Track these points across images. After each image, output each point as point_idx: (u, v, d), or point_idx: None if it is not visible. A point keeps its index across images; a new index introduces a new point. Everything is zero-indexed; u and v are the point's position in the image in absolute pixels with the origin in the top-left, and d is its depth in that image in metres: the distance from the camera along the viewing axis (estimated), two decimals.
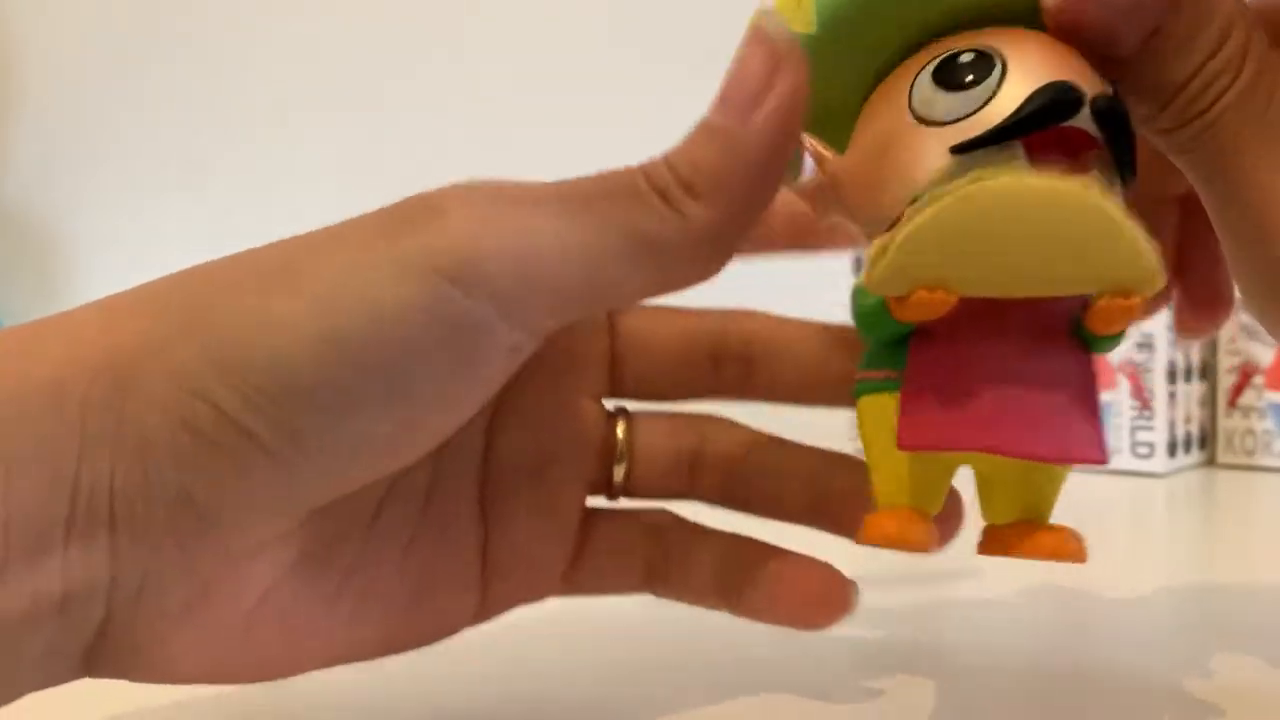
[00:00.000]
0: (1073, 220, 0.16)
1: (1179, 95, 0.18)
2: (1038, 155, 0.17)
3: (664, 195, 0.19)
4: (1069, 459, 0.18)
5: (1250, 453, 0.54)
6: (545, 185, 0.19)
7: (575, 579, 0.24)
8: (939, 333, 0.18)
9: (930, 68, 0.17)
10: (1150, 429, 0.52)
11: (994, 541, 0.19)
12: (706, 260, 0.19)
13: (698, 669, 0.27)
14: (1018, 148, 0.17)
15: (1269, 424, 0.54)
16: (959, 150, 0.17)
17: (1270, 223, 0.18)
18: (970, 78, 0.17)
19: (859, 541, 0.19)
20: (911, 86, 0.18)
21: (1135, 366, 0.53)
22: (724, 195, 0.19)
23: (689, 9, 0.99)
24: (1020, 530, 0.19)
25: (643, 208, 0.19)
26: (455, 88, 1.06)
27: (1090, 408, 0.18)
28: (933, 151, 0.17)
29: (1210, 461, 0.56)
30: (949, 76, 0.17)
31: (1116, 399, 0.53)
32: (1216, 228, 0.19)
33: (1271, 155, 0.18)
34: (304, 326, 0.18)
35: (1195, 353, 0.55)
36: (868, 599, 0.33)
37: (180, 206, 1.23)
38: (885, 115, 0.18)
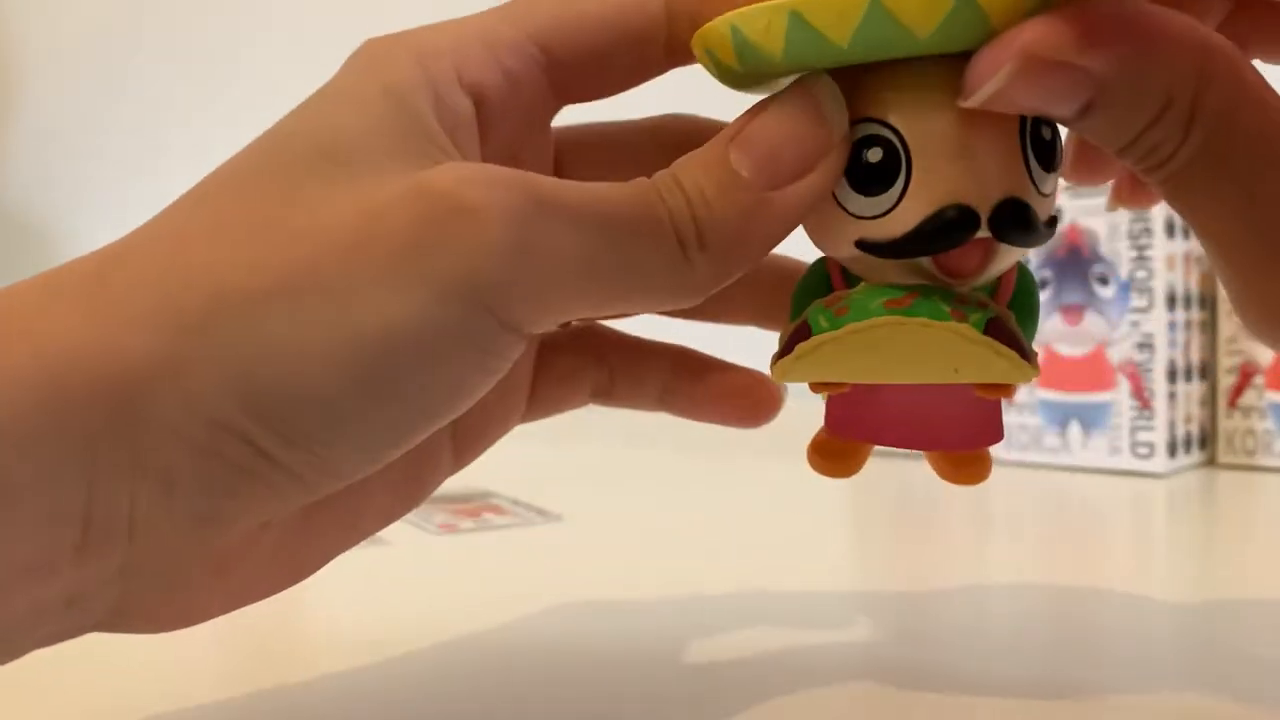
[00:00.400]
0: (946, 350, 0.20)
1: (1124, 157, 0.18)
2: (941, 261, 0.20)
3: (682, 243, 0.19)
4: (964, 446, 0.23)
5: (1251, 453, 0.54)
6: (578, 194, 0.18)
7: (530, 414, 0.26)
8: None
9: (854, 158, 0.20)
10: (1150, 429, 0.52)
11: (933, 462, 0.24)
12: (691, 301, 0.20)
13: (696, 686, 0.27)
14: (922, 261, 0.20)
15: (1270, 424, 0.54)
16: (872, 246, 0.20)
17: (1235, 269, 0.19)
18: (875, 186, 0.19)
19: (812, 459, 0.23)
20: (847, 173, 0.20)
21: (1135, 366, 0.53)
22: (733, 256, 0.19)
23: None
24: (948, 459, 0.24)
25: (661, 254, 0.19)
26: None
27: (994, 409, 0.23)
28: (846, 237, 0.20)
29: (1211, 462, 0.56)
30: (859, 178, 0.20)
31: (1116, 399, 0.53)
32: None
33: (1225, 211, 0.18)
34: (337, 357, 0.17)
35: (1195, 353, 0.55)
36: (867, 597, 0.33)
37: None
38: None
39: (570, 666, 0.28)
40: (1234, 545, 0.40)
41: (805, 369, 0.21)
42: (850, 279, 0.21)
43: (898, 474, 0.57)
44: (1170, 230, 0.52)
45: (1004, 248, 0.20)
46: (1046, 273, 0.55)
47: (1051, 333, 0.55)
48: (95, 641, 0.30)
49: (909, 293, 0.20)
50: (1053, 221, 0.20)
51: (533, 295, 0.18)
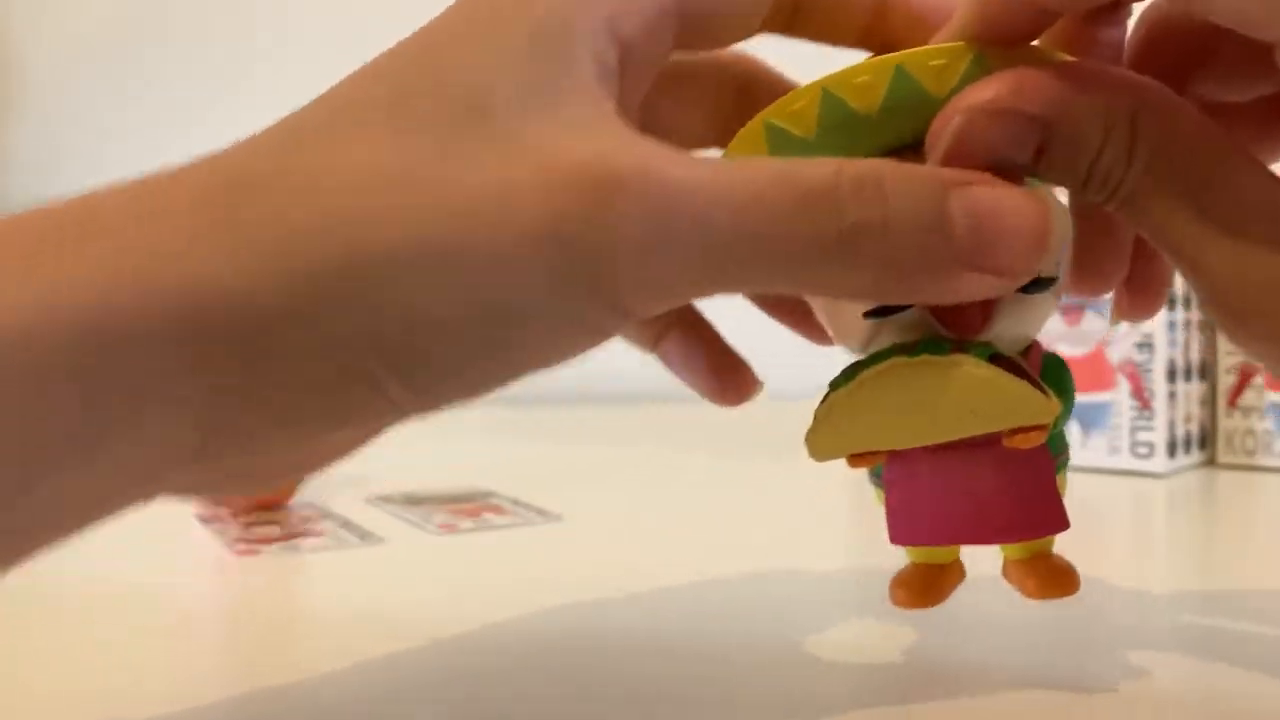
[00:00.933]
0: (956, 388, 0.21)
1: (1082, 190, 0.20)
2: (943, 315, 0.21)
3: (849, 252, 0.18)
4: (1032, 534, 0.23)
5: (1250, 453, 0.54)
6: (728, 188, 0.18)
7: None
8: (896, 464, 0.23)
9: None
10: (1150, 429, 0.52)
11: (1011, 573, 0.24)
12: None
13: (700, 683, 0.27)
14: (924, 313, 0.21)
15: (1269, 424, 0.54)
16: (872, 314, 0.21)
17: (1200, 276, 0.20)
18: None
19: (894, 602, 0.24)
20: None
21: (1135, 366, 0.53)
22: (891, 288, 0.19)
23: None
24: (1028, 564, 0.24)
25: (817, 253, 0.18)
26: None
27: (1046, 496, 0.22)
28: (857, 313, 0.22)
29: (1210, 461, 0.56)
30: None
31: (1116, 399, 0.53)
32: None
33: (1179, 222, 0.19)
34: (466, 325, 0.18)
35: (1195, 352, 0.55)
36: (866, 594, 0.33)
37: None
38: None
39: (571, 665, 0.28)
40: (1233, 545, 0.40)
41: (827, 433, 0.22)
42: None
43: None
44: None
45: (1005, 302, 0.21)
46: None
47: (1051, 332, 0.55)
48: (97, 643, 0.30)
49: (915, 343, 0.21)
50: (1051, 281, 0.22)
51: (655, 288, 0.18)
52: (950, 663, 0.27)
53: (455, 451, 0.67)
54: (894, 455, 0.22)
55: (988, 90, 0.20)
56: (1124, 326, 0.53)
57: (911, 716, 0.24)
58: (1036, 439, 0.21)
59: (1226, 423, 0.55)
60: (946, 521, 0.23)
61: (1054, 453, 0.23)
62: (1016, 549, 0.24)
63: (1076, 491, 0.50)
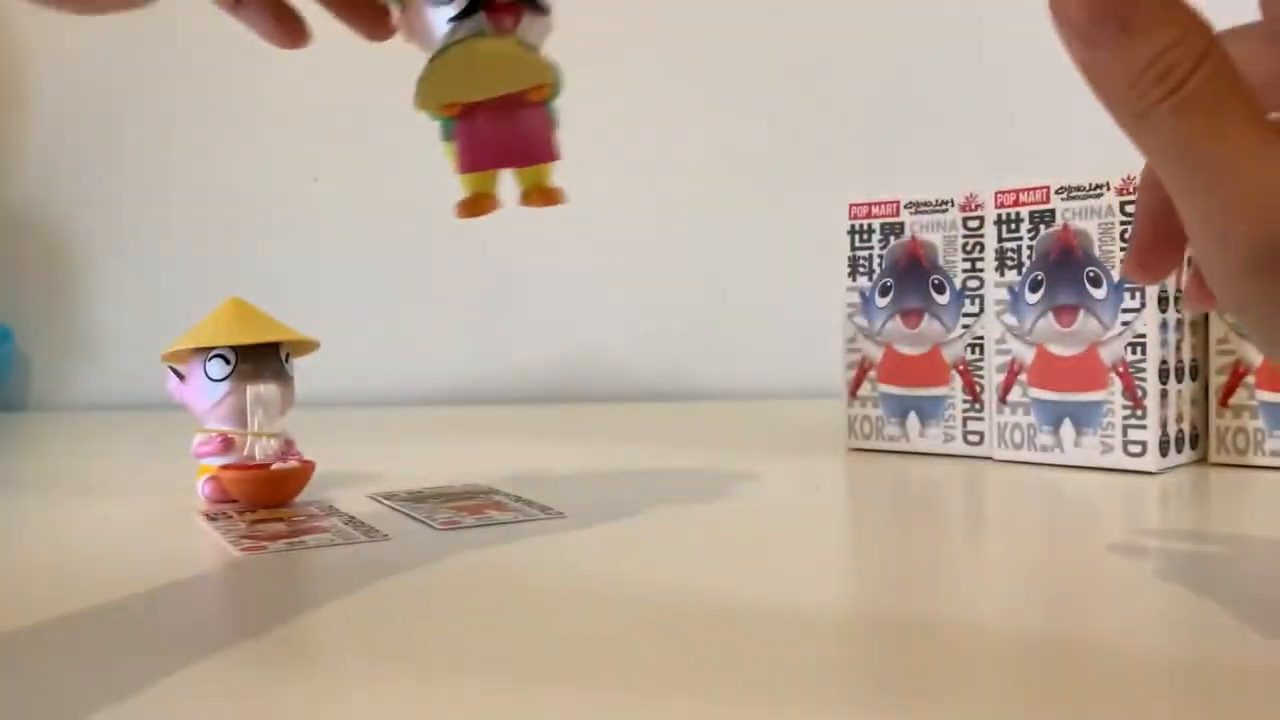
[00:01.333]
0: (505, 60, 0.36)
1: (1146, 74, 0.22)
2: (491, 15, 0.36)
3: None
4: (540, 160, 0.39)
5: (1242, 451, 0.55)
6: None
7: None
8: (468, 114, 0.38)
9: None
10: (1142, 428, 0.53)
11: (525, 198, 0.41)
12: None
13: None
14: (482, 16, 0.36)
15: (1260, 423, 0.54)
16: (453, 19, 0.36)
17: (1229, 191, 0.22)
18: None
19: (458, 216, 0.40)
20: None
21: (1127, 366, 0.53)
22: None
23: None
24: (538, 191, 0.41)
25: None
26: None
27: (547, 133, 0.39)
28: (441, 20, 0.36)
29: (1202, 460, 0.57)
30: None
31: (1109, 398, 0.54)
32: (1183, 217, 0.24)
33: (1218, 146, 0.22)
34: None
35: (1187, 352, 0.56)
36: (864, 591, 0.34)
37: (185, 209, 1.24)
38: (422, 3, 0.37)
39: (571, 665, 0.28)
40: (1225, 544, 0.41)
41: (426, 90, 0.37)
42: None
43: (896, 473, 0.58)
44: None
45: (527, 13, 0.37)
46: (1040, 274, 0.56)
47: (1045, 333, 0.56)
48: (101, 642, 0.30)
49: (478, 33, 0.36)
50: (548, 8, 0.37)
51: None
52: (947, 658, 0.28)
53: (457, 450, 0.68)
54: (462, 112, 0.38)
55: None
56: (1117, 328, 0.54)
57: (911, 710, 0.24)
58: (545, 93, 0.38)
59: (1218, 422, 0.56)
60: (494, 154, 0.38)
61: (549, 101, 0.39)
62: (529, 177, 0.40)
63: (1069, 490, 0.51)
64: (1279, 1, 0.25)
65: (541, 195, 0.40)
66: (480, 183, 0.40)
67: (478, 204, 0.39)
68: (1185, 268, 0.48)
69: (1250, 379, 0.55)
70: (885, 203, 0.63)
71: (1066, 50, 0.24)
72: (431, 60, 0.36)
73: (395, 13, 0.39)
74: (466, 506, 0.49)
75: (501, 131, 0.37)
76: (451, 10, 0.35)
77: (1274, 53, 0.26)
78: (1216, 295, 0.24)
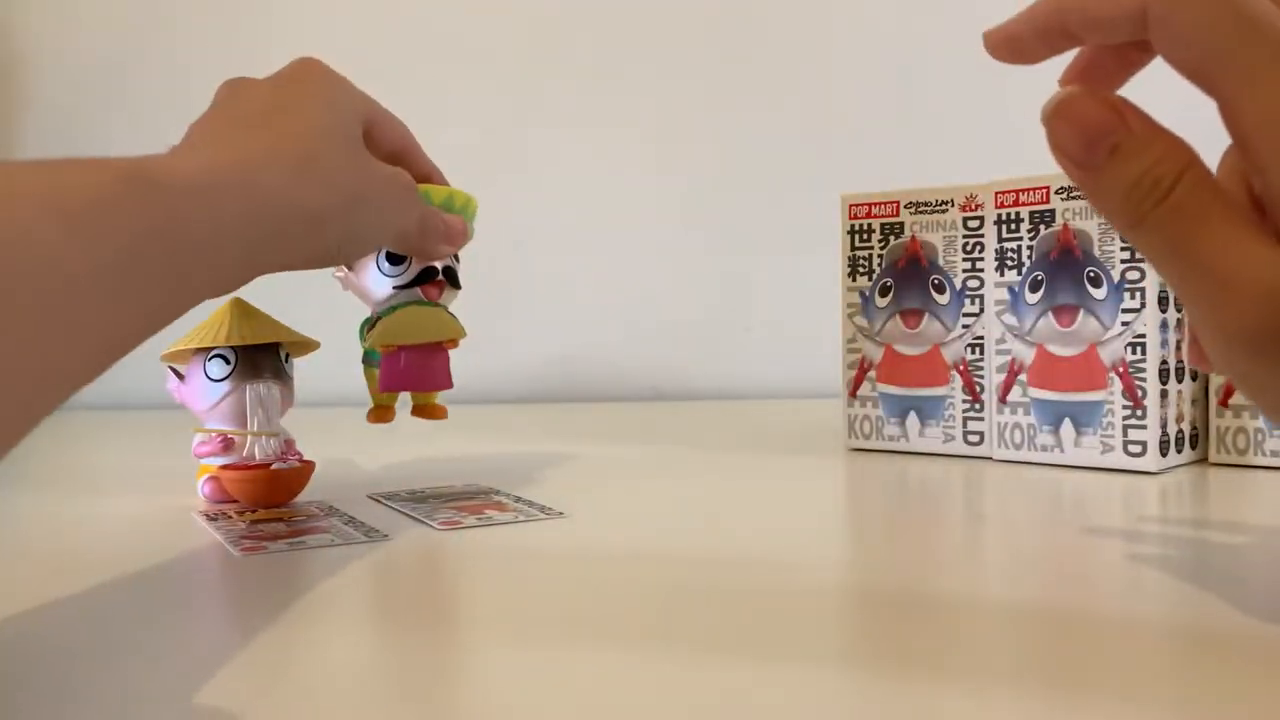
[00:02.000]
0: (436, 321, 0.51)
1: (1131, 193, 0.26)
2: (425, 289, 0.51)
3: None
4: (440, 389, 0.52)
5: (1242, 451, 0.55)
6: None
7: None
8: (394, 353, 0.51)
9: (384, 254, 0.50)
10: (1142, 428, 0.53)
11: (416, 410, 0.54)
12: None
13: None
14: (417, 289, 0.50)
15: (1260, 423, 0.54)
16: (396, 287, 0.50)
17: (1211, 290, 0.25)
18: (396, 264, 0.50)
19: (369, 421, 0.54)
20: (380, 258, 0.50)
21: (1127, 366, 0.53)
22: None
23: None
24: (428, 407, 0.54)
25: None
26: (461, 93, 1.07)
27: (448, 371, 0.52)
28: (386, 288, 0.50)
29: (1202, 460, 0.57)
30: (390, 261, 0.50)
31: (1109, 398, 0.54)
32: (1184, 305, 0.27)
33: (1205, 243, 0.25)
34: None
35: (1186, 353, 0.55)
36: (863, 590, 0.34)
37: None
38: (372, 267, 0.50)
39: (572, 665, 0.28)
40: (1225, 544, 0.41)
41: (376, 338, 0.50)
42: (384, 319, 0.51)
43: (895, 473, 0.58)
44: None
45: (448, 288, 0.51)
46: (1040, 274, 0.56)
47: (1045, 333, 0.56)
48: (102, 641, 0.30)
49: (415, 301, 0.51)
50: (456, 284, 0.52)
51: None
52: (945, 657, 0.28)
53: (457, 450, 0.68)
54: (392, 351, 0.50)
55: None
56: (1117, 328, 0.54)
57: (909, 707, 0.24)
58: (455, 343, 0.52)
59: (1218, 422, 0.56)
60: (410, 382, 0.51)
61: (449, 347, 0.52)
62: (425, 398, 0.54)
63: (1069, 489, 0.51)
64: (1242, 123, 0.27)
65: (432, 410, 0.54)
66: (388, 398, 0.53)
67: (384, 413, 0.54)
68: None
69: None
70: (885, 203, 0.63)
71: (1068, 176, 0.27)
72: (382, 315, 0.50)
73: (342, 270, 0.51)
74: (466, 506, 0.49)
75: (418, 367, 0.51)
76: (398, 281, 0.50)
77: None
78: (1217, 369, 0.28)
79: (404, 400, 0.54)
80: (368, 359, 0.53)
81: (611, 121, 1.06)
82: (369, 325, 0.51)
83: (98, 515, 0.51)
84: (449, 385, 0.52)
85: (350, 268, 0.51)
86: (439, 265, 0.50)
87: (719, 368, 1.06)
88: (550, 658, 0.28)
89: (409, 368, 0.50)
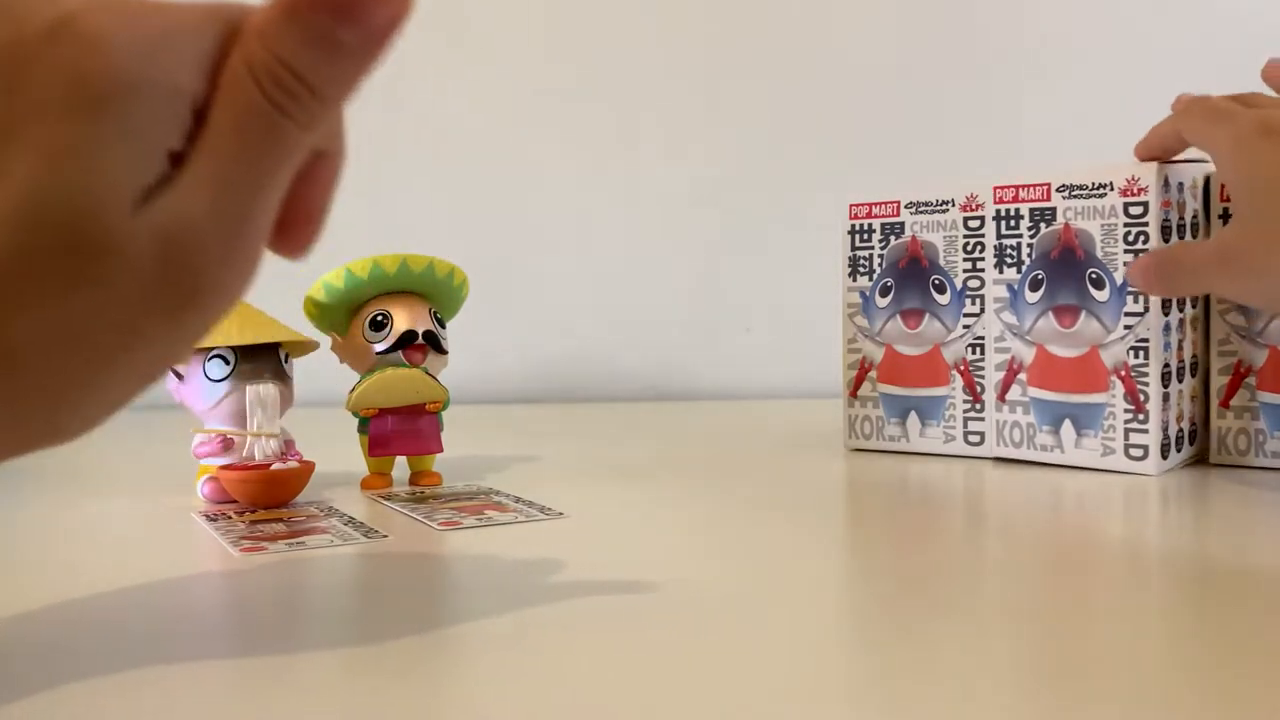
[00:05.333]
0: (414, 383, 0.53)
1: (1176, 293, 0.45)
2: (407, 353, 0.52)
3: None
4: (429, 452, 0.55)
5: (1243, 453, 0.55)
6: None
7: None
8: (380, 416, 0.54)
9: (368, 321, 0.53)
10: (1144, 432, 0.53)
11: (411, 479, 0.56)
12: None
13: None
14: (399, 353, 0.52)
15: (1261, 424, 0.54)
16: (380, 354, 0.53)
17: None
18: (379, 330, 0.53)
19: (363, 489, 0.54)
20: (364, 325, 0.53)
21: (1129, 369, 0.53)
22: None
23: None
24: (424, 474, 0.55)
25: None
26: (460, 93, 1.07)
27: (436, 434, 0.55)
28: (371, 353, 0.53)
29: (1202, 460, 0.57)
30: (373, 328, 0.53)
31: (1110, 400, 0.54)
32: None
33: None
34: None
35: (1189, 353, 0.55)
36: (864, 590, 0.34)
37: None
38: (357, 334, 0.53)
39: (571, 665, 0.28)
40: (1226, 545, 0.41)
41: (358, 399, 0.52)
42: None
43: (895, 473, 0.58)
44: (1165, 234, 0.53)
45: (431, 351, 0.53)
46: (1040, 273, 0.56)
47: (1045, 333, 0.56)
48: (103, 641, 0.30)
49: (397, 364, 0.52)
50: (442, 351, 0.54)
51: None
52: (945, 655, 0.28)
53: (457, 450, 0.68)
54: (378, 414, 0.53)
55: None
56: (1119, 330, 0.53)
57: (911, 706, 0.24)
58: (439, 405, 0.54)
59: (1219, 423, 0.56)
60: (399, 444, 0.54)
61: (440, 411, 0.55)
62: (418, 463, 0.55)
63: (1071, 490, 0.51)
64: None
65: (426, 477, 0.55)
66: (382, 464, 0.55)
67: (379, 480, 0.54)
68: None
69: (1251, 379, 0.55)
70: (885, 203, 0.63)
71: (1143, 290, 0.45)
72: (363, 378, 0.52)
73: (334, 338, 0.53)
74: (466, 506, 0.49)
75: (405, 431, 0.53)
76: (381, 346, 0.52)
77: None
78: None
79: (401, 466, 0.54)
80: (362, 427, 0.54)
81: (612, 121, 1.06)
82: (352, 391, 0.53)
83: (97, 515, 0.51)
84: (439, 449, 0.54)
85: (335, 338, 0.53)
86: (419, 330, 0.52)
87: (719, 368, 1.06)
88: (549, 658, 0.28)
89: (396, 432, 0.53)
